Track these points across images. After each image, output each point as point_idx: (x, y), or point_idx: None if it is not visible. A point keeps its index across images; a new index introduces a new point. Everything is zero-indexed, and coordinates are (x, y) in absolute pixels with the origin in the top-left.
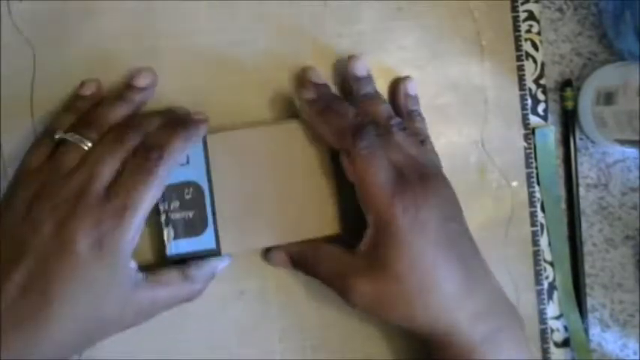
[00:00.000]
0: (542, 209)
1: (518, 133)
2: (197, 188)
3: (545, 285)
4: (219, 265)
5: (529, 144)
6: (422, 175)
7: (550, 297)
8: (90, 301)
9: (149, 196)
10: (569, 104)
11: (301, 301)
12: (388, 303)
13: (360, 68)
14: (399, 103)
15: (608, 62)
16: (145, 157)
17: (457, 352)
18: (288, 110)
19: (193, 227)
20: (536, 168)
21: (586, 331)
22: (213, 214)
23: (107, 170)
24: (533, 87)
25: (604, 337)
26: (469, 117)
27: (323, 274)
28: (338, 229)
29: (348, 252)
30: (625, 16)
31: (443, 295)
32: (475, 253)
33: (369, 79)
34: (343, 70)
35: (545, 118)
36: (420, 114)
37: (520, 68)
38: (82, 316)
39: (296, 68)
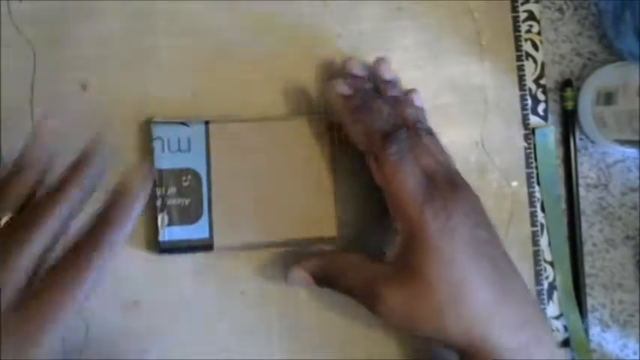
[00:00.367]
0: (542, 209)
1: (518, 133)
2: (195, 176)
3: (545, 285)
4: None
5: (529, 144)
6: (451, 182)
7: (550, 297)
8: None
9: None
10: (569, 104)
11: (301, 301)
12: (419, 313)
13: (386, 71)
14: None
15: (608, 62)
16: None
17: None
18: (288, 110)
19: (188, 215)
20: (536, 168)
21: (586, 331)
22: (210, 203)
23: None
24: (533, 87)
25: (604, 337)
26: (469, 117)
27: (349, 286)
28: (335, 229)
29: (374, 260)
30: (625, 16)
31: (476, 304)
32: (508, 262)
33: (395, 81)
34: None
35: (545, 118)
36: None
37: (520, 68)
38: None
39: (296, 68)
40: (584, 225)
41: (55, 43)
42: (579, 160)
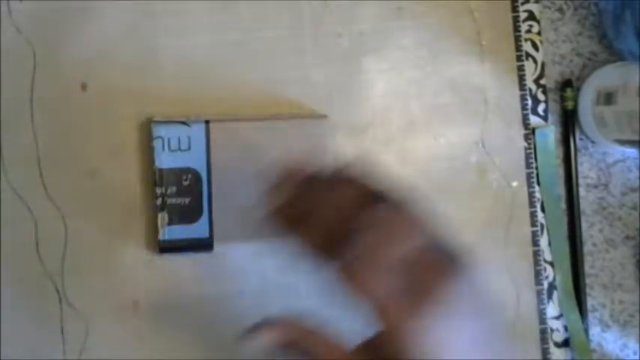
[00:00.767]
0: (542, 209)
1: (518, 133)
2: (196, 175)
3: (545, 285)
4: None
5: (529, 144)
6: (436, 267)
7: (550, 297)
8: None
9: None
10: (569, 104)
11: (301, 301)
12: None
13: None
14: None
15: (608, 62)
16: None
17: None
18: (288, 110)
19: (188, 214)
20: (536, 168)
21: (586, 331)
22: (210, 203)
23: None
24: (534, 87)
25: (604, 337)
26: (469, 117)
27: None
28: None
29: (347, 345)
30: (625, 16)
31: None
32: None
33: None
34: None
35: (545, 118)
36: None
37: (520, 68)
38: None
39: (296, 68)
40: (584, 225)
41: (55, 43)
42: (579, 160)
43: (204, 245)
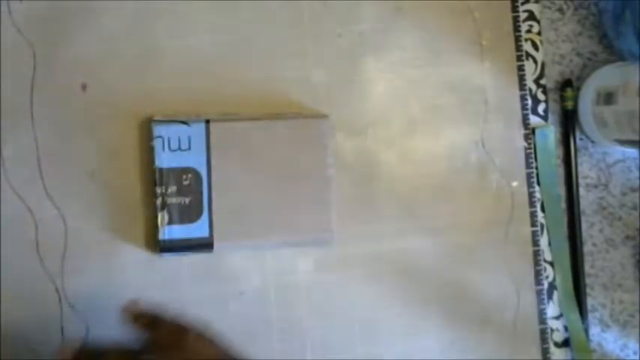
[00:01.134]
0: (542, 209)
1: (518, 133)
2: (196, 175)
3: (545, 285)
4: None
5: (529, 144)
6: None
7: (550, 297)
8: None
9: None
10: (569, 104)
11: (301, 301)
12: None
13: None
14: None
15: (608, 62)
16: None
17: None
18: (288, 110)
19: (188, 214)
20: (536, 168)
21: (586, 331)
22: (210, 202)
23: None
24: (534, 87)
25: (604, 337)
26: (469, 117)
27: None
28: (332, 229)
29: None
30: (625, 16)
31: None
32: None
33: None
34: None
35: (545, 118)
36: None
37: (520, 68)
38: None
39: (296, 68)
40: (584, 225)
41: (55, 43)
42: (579, 160)
43: (204, 245)
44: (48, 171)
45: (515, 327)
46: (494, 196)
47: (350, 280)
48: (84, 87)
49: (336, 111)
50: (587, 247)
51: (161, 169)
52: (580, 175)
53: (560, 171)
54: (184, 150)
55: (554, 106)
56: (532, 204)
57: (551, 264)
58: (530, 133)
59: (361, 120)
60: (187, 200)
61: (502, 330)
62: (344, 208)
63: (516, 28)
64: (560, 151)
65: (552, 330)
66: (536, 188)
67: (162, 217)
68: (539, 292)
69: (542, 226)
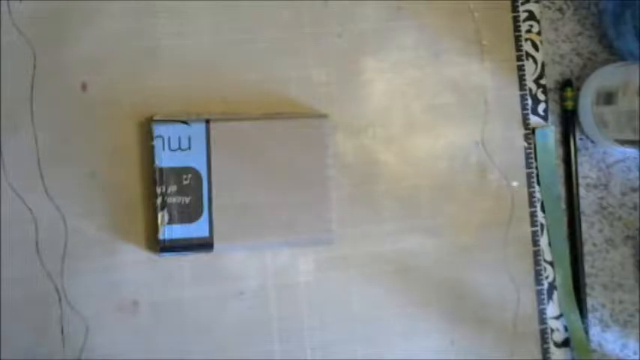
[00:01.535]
0: (542, 209)
1: (518, 133)
2: (196, 175)
3: (545, 285)
4: None
5: (529, 144)
6: None
7: (550, 297)
8: None
9: None
10: (569, 104)
11: (301, 301)
12: None
13: None
14: None
15: (608, 62)
16: None
17: None
18: (288, 110)
19: (188, 213)
20: (536, 168)
21: (586, 331)
22: (210, 202)
23: None
24: (534, 87)
25: (604, 337)
26: (469, 117)
27: None
28: (332, 230)
29: None
30: (625, 16)
31: None
32: None
33: None
34: None
35: (545, 118)
36: None
37: (520, 68)
38: None
39: (296, 68)
40: (584, 225)
41: (55, 43)
42: (579, 160)
43: (204, 245)
44: (48, 171)
45: (515, 327)
46: (494, 196)
47: (350, 280)
48: (84, 87)
49: (336, 111)
50: (587, 247)
51: (161, 169)
52: (580, 175)
53: (560, 171)
54: (184, 150)
55: (554, 106)
56: (532, 204)
57: (551, 264)
58: (530, 133)
59: (361, 120)
60: (187, 200)
61: (502, 330)
62: (344, 208)
63: (516, 28)
64: (560, 151)
65: (552, 330)
66: (536, 188)
67: (162, 216)
68: (539, 292)
69: (542, 226)
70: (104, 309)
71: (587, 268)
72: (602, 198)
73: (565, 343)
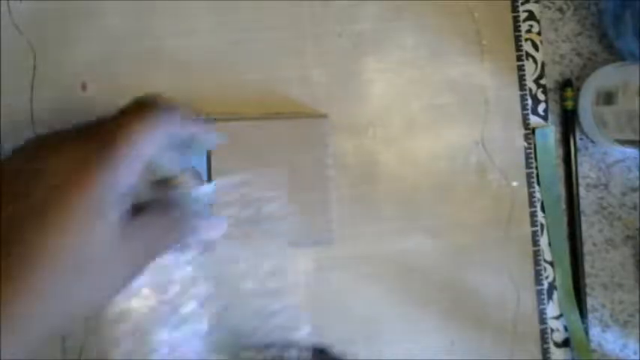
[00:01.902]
0: (542, 209)
1: (518, 133)
2: (196, 175)
3: (545, 285)
4: (202, 191)
5: (529, 144)
6: None
7: (550, 297)
8: (66, 245)
9: (137, 137)
10: (569, 104)
11: (301, 301)
12: None
13: None
14: None
15: (608, 62)
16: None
17: None
18: (288, 110)
19: None
20: (536, 168)
21: (586, 331)
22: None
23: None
24: (534, 87)
25: (604, 337)
26: (469, 117)
27: None
28: (332, 230)
29: None
30: (625, 16)
31: None
32: None
33: None
34: None
35: (545, 118)
36: None
37: (520, 68)
38: (58, 261)
39: (296, 68)
40: (584, 225)
41: (55, 43)
42: (579, 160)
43: (205, 245)
44: None
45: (515, 327)
46: (494, 196)
47: (350, 280)
48: (84, 87)
49: (336, 111)
50: (587, 247)
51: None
52: (580, 175)
53: (560, 171)
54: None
55: (554, 106)
56: (532, 204)
57: (551, 264)
58: (530, 133)
59: (361, 120)
60: None
61: (502, 330)
62: (344, 208)
63: (516, 28)
64: (560, 151)
65: (552, 330)
66: (536, 188)
67: None
68: (539, 292)
69: (542, 226)
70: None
71: (587, 268)
72: (602, 198)
73: (565, 343)
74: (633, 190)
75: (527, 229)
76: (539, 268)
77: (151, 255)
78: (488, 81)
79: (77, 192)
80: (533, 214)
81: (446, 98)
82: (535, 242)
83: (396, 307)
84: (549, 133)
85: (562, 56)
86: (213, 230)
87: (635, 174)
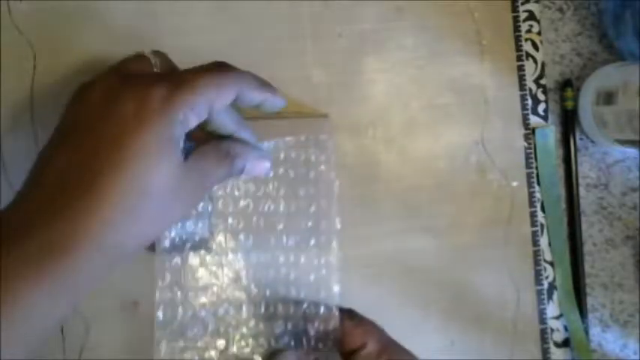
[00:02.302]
0: (542, 209)
1: (518, 133)
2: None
3: (545, 285)
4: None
5: (529, 144)
6: None
7: (550, 297)
8: (138, 172)
9: (213, 86)
10: (569, 104)
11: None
12: None
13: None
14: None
15: (608, 62)
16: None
17: None
18: (288, 110)
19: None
20: (536, 168)
21: (586, 331)
22: (210, 201)
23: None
24: (534, 87)
25: (604, 337)
26: (469, 117)
27: None
28: (334, 230)
29: None
30: (625, 16)
31: None
32: None
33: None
34: None
35: (545, 118)
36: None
37: (520, 68)
38: (130, 188)
39: (296, 68)
40: (584, 225)
41: (55, 43)
42: (579, 160)
43: (204, 245)
44: None
45: (515, 327)
46: (494, 196)
47: (350, 280)
48: None
49: (336, 111)
50: (587, 247)
51: None
52: (580, 175)
53: (560, 171)
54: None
55: (554, 106)
56: (532, 204)
57: (551, 264)
58: (530, 133)
59: (361, 120)
60: None
61: (502, 330)
62: (344, 208)
63: (516, 28)
64: (560, 151)
65: (552, 330)
66: (536, 188)
67: None
68: (539, 292)
69: (542, 226)
70: (104, 309)
71: (587, 268)
72: (602, 198)
73: (565, 343)
74: (633, 190)
75: (527, 229)
76: (539, 268)
77: (206, 186)
78: (488, 81)
79: (149, 128)
80: (533, 214)
81: (446, 98)
82: (535, 242)
83: (395, 307)
84: (549, 133)
85: (562, 56)
86: (260, 166)
87: (635, 174)
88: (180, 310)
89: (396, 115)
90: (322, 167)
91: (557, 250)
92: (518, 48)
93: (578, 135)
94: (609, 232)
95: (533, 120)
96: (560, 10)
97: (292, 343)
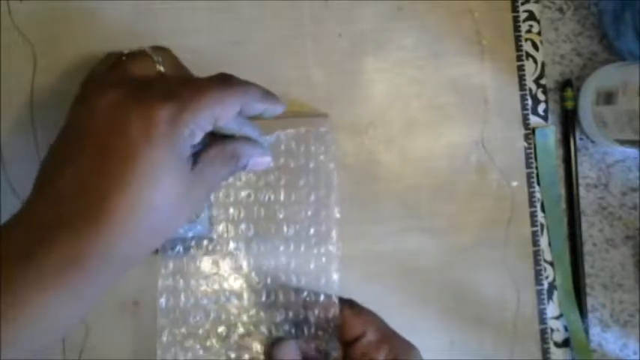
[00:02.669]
0: (542, 209)
1: (519, 133)
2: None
3: (545, 285)
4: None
5: (529, 144)
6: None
7: (550, 297)
8: (147, 189)
9: (218, 102)
10: (569, 104)
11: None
12: None
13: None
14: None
15: (608, 62)
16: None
17: None
18: (288, 110)
19: None
20: (536, 168)
21: (586, 331)
22: (209, 201)
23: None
24: (534, 87)
25: (604, 337)
26: (469, 117)
27: None
28: (335, 230)
29: None
30: (625, 16)
31: None
32: None
33: None
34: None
35: (545, 118)
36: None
37: (520, 68)
38: (138, 205)
39: (296, 68)
40: (584, 225)
41: (55, 43)
42: (579, 160)
43: (205, 235)
44: None
45: (515, 327)
46: (494, 196)
47: (350, 279)
48: None
49: (336, 111)
50: (587, 247)
51: None
52: (580, 175)
53: (560, 171)
54: None
55: (554, 106)
56: (532, 204)
57: (551, 264)
58: (530, 133)
59: (361, 120)
60: None
61: (502, 330)
62: (344, 208)
63: (516, 28)
64: (560, 151)
65: (552, 330)
66: (536, 188)
67: None
68: (539, 292)
69: (542, 226)
70: (104, 309)
71: (587, 268)
72: (602, 198)
73: (565, 343)
74: (633, 190)
75: (527, 229)
76: (539, 268)
77: (212, 189)
78: (488, 81)
79: (157, 149)
80: (533, 214)
81: (446, 98)
82: (535, 242)
83: (395, 307)
84: (549, 133)
85: (562, 56)
86: (262, 161)
87: (635, 174)
88: (182, 297)
89: (396, 115)
90: (322, 157)
91: (557, 250)
92: (519, 48)
93: (578, 135)
94: (609, 232)
95: (533, 120)
96: (560, 10)
97: (293, 330)
